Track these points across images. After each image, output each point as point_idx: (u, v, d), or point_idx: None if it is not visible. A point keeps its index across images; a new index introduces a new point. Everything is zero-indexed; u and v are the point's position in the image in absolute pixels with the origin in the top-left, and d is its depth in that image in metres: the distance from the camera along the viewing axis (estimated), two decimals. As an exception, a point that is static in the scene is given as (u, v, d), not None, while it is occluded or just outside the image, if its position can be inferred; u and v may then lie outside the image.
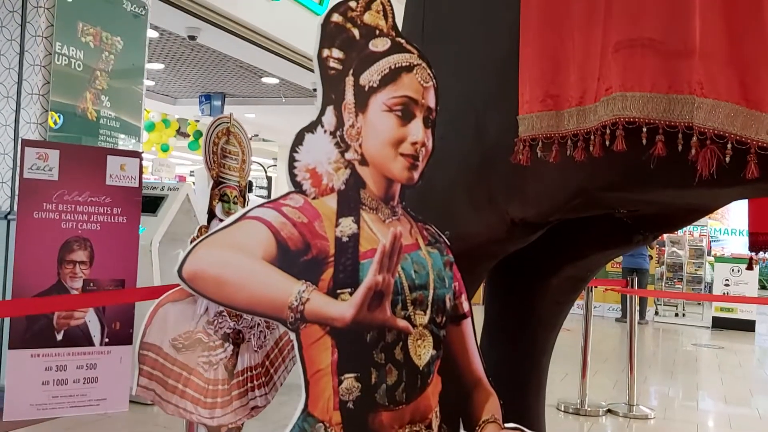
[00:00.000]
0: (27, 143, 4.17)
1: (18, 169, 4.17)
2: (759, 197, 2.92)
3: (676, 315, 11.57)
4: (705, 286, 11.87)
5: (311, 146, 1.25)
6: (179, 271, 1.13)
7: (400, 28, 1.40)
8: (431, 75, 1.36)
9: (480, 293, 3.49)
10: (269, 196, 17.22)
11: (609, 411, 4.78)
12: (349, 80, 1.27)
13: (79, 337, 4.14)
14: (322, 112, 1.27)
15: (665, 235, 12.07)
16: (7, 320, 4.16)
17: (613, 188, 2.16)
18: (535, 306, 3.25)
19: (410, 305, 1.27)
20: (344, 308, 1.16)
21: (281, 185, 17.52)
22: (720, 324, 10.65)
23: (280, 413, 3.63)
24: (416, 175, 1.34)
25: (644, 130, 1.83)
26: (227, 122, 2.83)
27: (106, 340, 4.19)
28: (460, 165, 2.38)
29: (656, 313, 11.44)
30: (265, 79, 10.34)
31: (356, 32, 1.27)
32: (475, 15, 2.40)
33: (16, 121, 4.38)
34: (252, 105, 12.54)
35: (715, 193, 2.13)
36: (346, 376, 1.20)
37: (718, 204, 2.74)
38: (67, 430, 3.71)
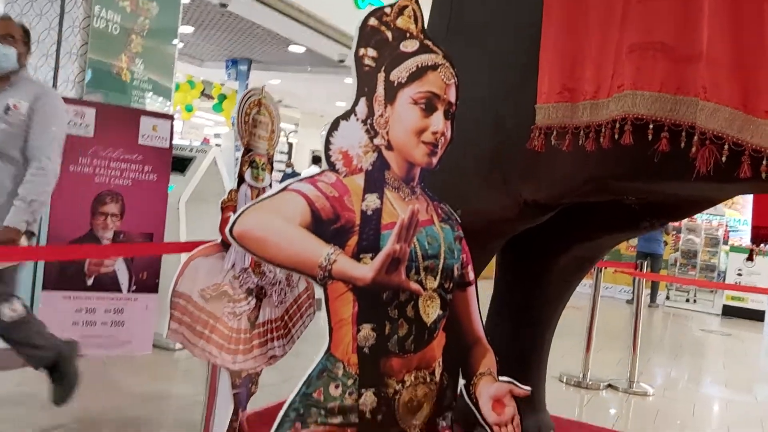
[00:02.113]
0: (65, 101, 4.37)
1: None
2: (755, 194, 3.05)
3: (687, 301, 11.67)
4: (718, 275, 11.94)
5: (345, 132, 1.45)
6: (230, 230, 1.33)
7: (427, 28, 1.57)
8: (453, 73, 1.54)
9: (492, 267, 3.66)
10: (289, 160, 17.42)
11: (609, 386, 4.94)
12: (381, 76, 1.46)
13: (108, 284, 4.38)
14: (355, 103, 1.46)
15: (682, 223, 12.13)
16: (40, 264, 4.40)
17: (620, 178, 2.31)
18: (543, 283, 3.42)
19: (422, 271, 1.47)
20: (365, 270, 1.37)
21: (301, 151, 17.69)
22: (730, 312, 10.75)
23: (297, 360, 3.87)
24: (435, 160, 1.52)
25: (651, 126, 1.97)
26: (259, 94, 2.98)
27: (134, 287, 4.44)
28: (479, 148, 2.54)
29: (667, 297, 11.55)
30: (291, 48, 10.45)
31: (389, 34, 1.45)
32: (499, 10, 2.54)
33: (55, 78, 4.57)
34: (277, 72, 12.65)
35: (713, 188, 2.27)
36: (364, 326, 1.41)
37: (719, 197, 2.87)
38: (93, 368, 3.96)
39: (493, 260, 3.61)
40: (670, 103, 1.94)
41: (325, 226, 1.38)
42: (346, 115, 1.46)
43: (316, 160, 12.87)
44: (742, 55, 1.82)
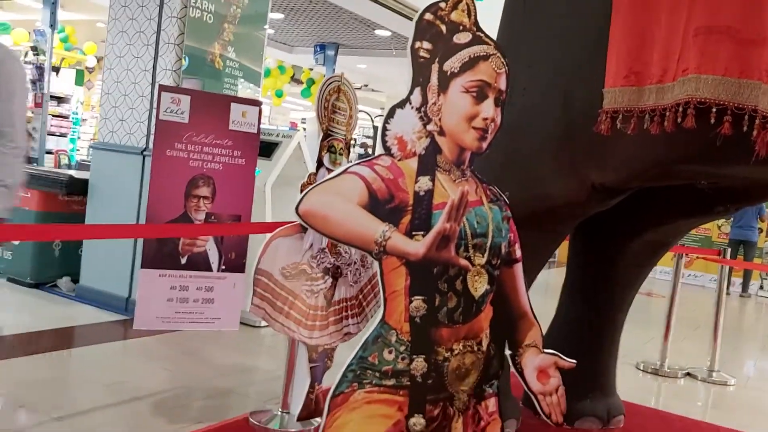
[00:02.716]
0: (163, 88, 4.65)
1: (155, 111, 4.68)
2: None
3: (783, 291, 11.17)
4: (818, 265, 11.32)
5: (400, 119, 1.57)
6: (296, 208, 1.49)
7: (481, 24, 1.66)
8: (504, 63, 1.62)
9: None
10: (374, 145, 17.62)
11: (688, 374, 4.87)
12: (435, 67, 1.57)
13: (200, 263, 4.67)
14: (410, 92, 1.58)
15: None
16: (140, 244, 4.74)
17: (685, 162, 2.33)
18: (615, 267, 3.43)
19: (471, 249, 1.58)
20: (417, 246, 1.49)
21: (388, 135, 17.79)
22: (829, 305, 10.23)
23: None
24: (484, 145, 1.62)
25: (714, 110, 1.99)
26: (338, 81, 3.12)
27: (223, 267, 4.70)
28: (547, 131, 2.59)
29: (761, 287, 11.08)
30: (377, 32, 10.60)
31: (443, 28, 1.55)
32: None
33: (154, 67, 4.88)
34: (364, 56, 12.84)
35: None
36: (416, 297, 1.54)
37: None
38: (185, 342, 4.24)
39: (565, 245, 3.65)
40: (734, 86, 1.95)
41: (380, 205, 1.51)
42: (401, 104, 1.58)
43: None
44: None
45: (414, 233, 1.52)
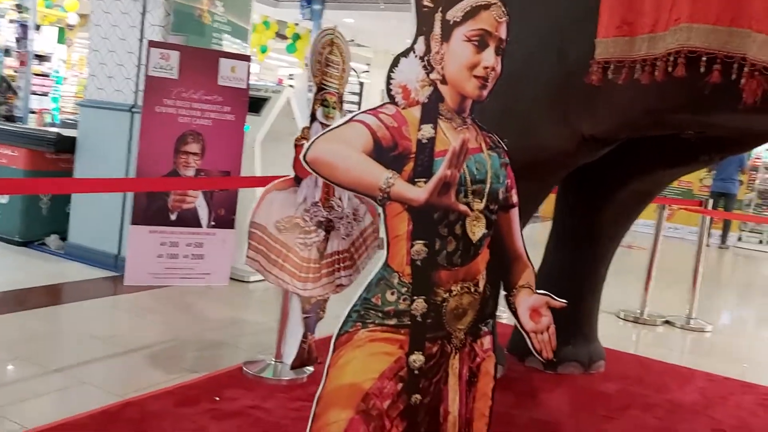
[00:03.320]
0: (152, 44, 4.60)
1: (144, 67, 4.64)
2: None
3: (760, 242, 11.35)
4: (797, 216, 11.52)
5: (404, 68, 1.61)
6: (304, 157, 1.52)
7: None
8: (504, 12, 1.65)
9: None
10: (360, 101, 17.50)
11: (667, 322, 4.99)
12: (438, 16, 1.60)
13: (189, 219, 4.69)
14: (414, 41, 1.62)
15: (761, 161, 11.74)
16: (129, 201, 4.74)
17: (675, 111, 2.37)
18: (601, 216, 3.50)
19: (470, 194, 1.63)
20: (420, 192, 1.54)
21: (373, 91, 17.69)
22: (806, 255, 10.45)
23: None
24: (485, 93, 1.66)
25: (704, 59, 2.02)
26: (332, 34, 3.11)
27: (212, 223, 4.73)
28: (542, 83, 2.62)
29: (739, 239, 11.28)
30: (365, -16, 10.44)
31: (447, -23, 1.59)
32: None
33: (142, 23, 4.81)
34: (351, 10, 12.64)
35: (762, 120, 2.30)
36: (417, 241, 1.59)
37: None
38: (176, 297, 4.29)
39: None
40: (724, 35, 1.99)
41: (384, 152, 1.55)
42: (405, 53, 1.62)
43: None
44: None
45: (416, 180, 1.56)
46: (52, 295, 4.24)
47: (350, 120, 1.56)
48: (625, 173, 3.34)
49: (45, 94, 11.56)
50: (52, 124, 9.37)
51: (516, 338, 3.52)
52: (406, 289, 1.57)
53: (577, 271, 3.51)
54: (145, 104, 4.58)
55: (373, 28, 13.92)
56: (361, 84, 18.43)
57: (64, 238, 5.17)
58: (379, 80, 18.32)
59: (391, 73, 1.60)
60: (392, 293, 1.57)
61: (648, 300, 5.04)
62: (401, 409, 1.61)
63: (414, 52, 1.61)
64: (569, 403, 3.12)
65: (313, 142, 1.53)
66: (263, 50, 14.86)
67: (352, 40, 15.81)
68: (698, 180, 11.18)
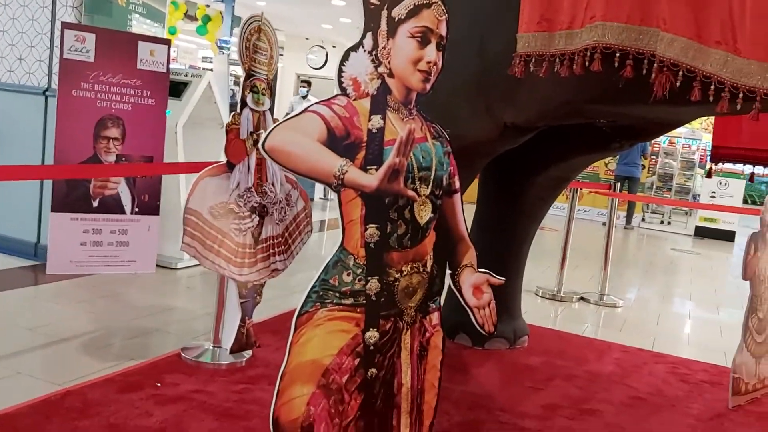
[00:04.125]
0: (66, 26, 4.48)
1: (57, 49, 4.50)
2: (707, 116, 3.32)
3: (662, 223, 12.14)
4: (693, 198, 12.36)
5: (354, 61, 1.70)
6: (262, 145, 1.60)
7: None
8: (444, 11, 1.78)
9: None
10: (274, 84, 17.32)
11: (582, 299, 5.33)
12: (384, 13, 1.70)
13: (112, 205, 4.63)
14: (363, 37, 1.72)
15: (660, 146, 12.48)
16: (47, 187, 4.61)
17: (591, 101, 2.56)
18: (521, 199, 3.72)
19: (417, 181, 1.75)
20: (371, 179, 1.65)
21: (286, 75, 17.56)
22: (702, 233, 11.21)
23: (295, 278, 4.18)
24: (428, 86, 1.78)
25: (617, 55, 2.20)
26: (259, 21, 3.15)
27: (136, 209, 4.69)
28: (464, 75, 2.75)
29: (643, 219, 12.00)
30: (277, -33, 10.36)
31: (391, -23, 1.69)
32: None
33: (53, 3, 4.65)
34: (263, -6, 12.53)
35: (670, 111, 2.54)
36: (370, 225, 1.70)
37: (681, 120, 3.14)
38: (101, 286, 4.23)
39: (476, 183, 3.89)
40: (635, 33, 2.17)
41: (338, 142, 1.64)
42: (355, 47, 1.72)
43: (305, 83, 12.94)
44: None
45: (368, 167, 1.66)
46: (-33, 286, 4.10)
47: (305, 111, 1.65)
48: (543, 159, 3.56)
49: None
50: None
51: (445, 316, 3.69)
52: (361, 270, 1.69)
53: (500, 253, 3.69)
54: (61, 88, 4.46)
55: (285, 12, 13.83)
56: (276, 68, 18.23)
57: (-23, 228, 4.98)
58: (292, 64, 18.24)
59: (342, 67, 1.70)
60: (348, 274, 1.68)
61: (564, 278, 5.35)
62: (359, 382, 1.73)
63: (363, 47, 1.72)
64: (498, 377, 3.31)
65: (270, 132, 1.61)
66: (172, 32, 14.44)
67: (265, 24, 15.59)
68: (604, 165, 11.81)
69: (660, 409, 3.10)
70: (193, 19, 14.88)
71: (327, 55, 16.77)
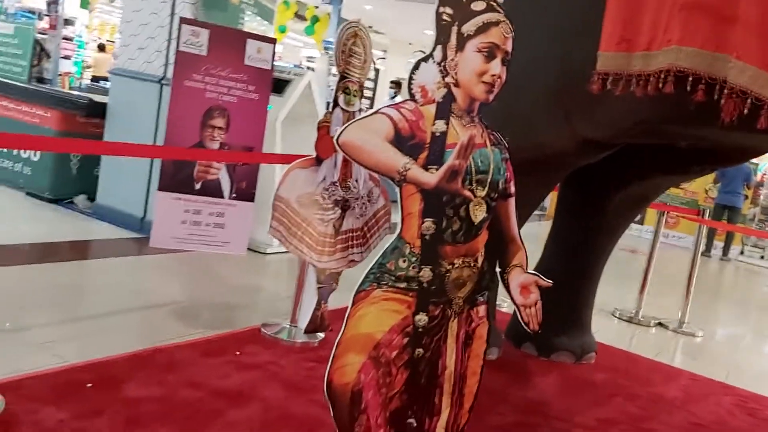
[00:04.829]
0: (184, 21, 4.87)
1: (174, 42, 4.89)
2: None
3: (762, 258, 11.56)
4: (799, 233, 11.73)
5: (424, 71, 1.91)
6: (336, 139, 1.81)
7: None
8: (510, 29, 1.94)
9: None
10: (375, 87, 17.69)
11: (660, 324, 5.22)
12: (454, 29, 1.89)
13: (212, 189, 4.96)
14: (433, 49, 1.92)
15: (766, 177, 11.93)
16: (155, 168, 5.01)
17: (663, 122, 2.62)
18: (599, 216, 3.75)
19: (474, 183, 1.92)
20: (431, 177, 1.83)
21: (386, 78, 17.82)
22: (806, 273, 10.64)
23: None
24: (491, 96, 1.96)
25: (690, 78, 2.27)
26: (356, 26, 3.36)
27: (234, 195, 5.01)
28: (544, 86, 2.88)
29: (741, 252, 11.49)
30: (386, -28, 10.63)
31: (463, -4, 1.87)
32: None
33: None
34: (371, -3, 12.85)
35: (738, 137, 2.56)
36: (427, 219, 1.87)
37: (762, 147, 3.11)
38: (196, 262, 4.57)
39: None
40: (708, 59, 2.23)
41: (403, 141, 1.84)
42: (425, 58, 1.92)
43: (394, 84, 13.27)
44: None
45: (429, 167, 1.84)
46: (79, 250, 4.53)
47: (376, 112, 1.86)
48: (624, 177, 3.59)
49: (67, 57, 11.82)
50: (78, 88, 9.65)
51: (513, 324, 3.79)
52: (415, 258, 1.86)
53: (575, 266, 3.75)
54: (175, 78, 4.83)
55: (390, 15, 14.13)
56: (377, 70, 18.56)
57: (92, 199, 5.46)
58: (394, 67, 18.53)
59: (413, 75, 1.91)
60: (404, 261, 1.86)
61: (644, 302, 5.25)
62: (405, 359, 1.90)
63: (433, 58, 1.92)
64: (559, 388, 3.34)
65: (344, 129, 1.82)
66: (282, 30, 15.04)
67: (370, 27, 15.92)
68: (704, 191, 11.39)
69: (720, 437, 3.04)
70: (303, 18, 15.45)
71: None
